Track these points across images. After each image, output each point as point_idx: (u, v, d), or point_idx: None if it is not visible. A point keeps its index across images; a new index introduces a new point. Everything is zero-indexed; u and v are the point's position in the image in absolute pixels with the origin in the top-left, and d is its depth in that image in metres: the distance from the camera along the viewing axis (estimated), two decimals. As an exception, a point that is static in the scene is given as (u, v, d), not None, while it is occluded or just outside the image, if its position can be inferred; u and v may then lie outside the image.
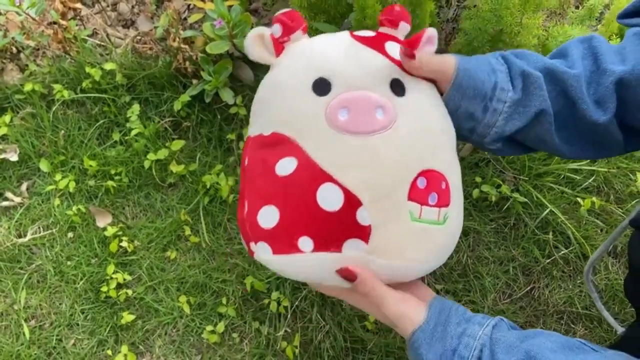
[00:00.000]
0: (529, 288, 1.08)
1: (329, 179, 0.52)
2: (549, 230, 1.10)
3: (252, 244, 0.57)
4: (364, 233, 0.53)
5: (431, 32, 0.59)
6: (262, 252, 0.55)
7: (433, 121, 0.57)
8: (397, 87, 0.56)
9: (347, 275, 0.54)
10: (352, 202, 0.52)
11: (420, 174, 0.54)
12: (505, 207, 1.11)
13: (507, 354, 0.51)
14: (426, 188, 0.55)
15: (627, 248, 0.74)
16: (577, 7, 1.28)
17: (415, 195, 0.54)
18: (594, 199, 1.09)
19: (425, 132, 0.56)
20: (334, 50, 0.57)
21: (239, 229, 0.67)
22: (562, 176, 1.13)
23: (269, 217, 0.54)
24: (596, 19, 1.12)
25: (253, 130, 0.59)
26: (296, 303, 1.06)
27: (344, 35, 0.59)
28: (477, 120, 0.61)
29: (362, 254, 0.54)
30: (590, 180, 1.12)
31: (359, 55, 0.56)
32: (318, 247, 0.53)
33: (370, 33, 0.59)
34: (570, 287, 1.07)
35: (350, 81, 0.54)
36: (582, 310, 1.05)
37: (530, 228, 1.10)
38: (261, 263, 0.57)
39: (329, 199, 0.52)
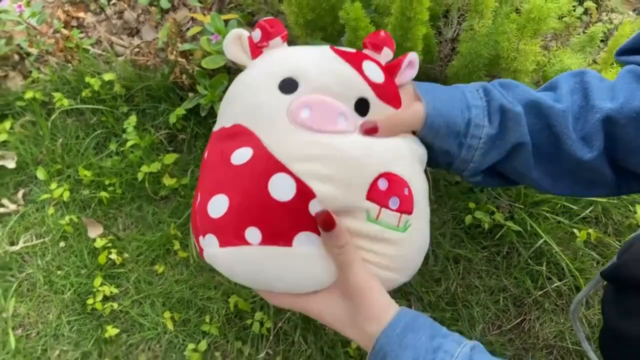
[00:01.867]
0: (519, 320, 1.05)
1: (282, 169, 0.51)
2: (543, 261, 1.07)
3: (201, 239, 0.55)
4: (315, 225, 0.52)
5: (412, 57, 0.60)
6: (210, 245, 0.54)
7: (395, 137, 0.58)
8: (362, 107, 0.56)
9: (326, 220, 0.51)
10: (304, 193, 0.51)
11: (381, 175, 0.54)
12: (499, 235, 1.08)
13: None
14: (387, 190, 0.54)
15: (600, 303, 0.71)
16: (585, 30, 1.24)
17: (375, 195, 0.53)
18: (590, 230, 1.06)
19: (387, 140, 0.56)
20: (309, 56, 0.57)
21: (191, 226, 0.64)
22: (559, 205, 1.10)
23: (218, 206, 0.52)
24: (598, 46, 1.08)
25: (217, 125, 0.59)
26: (279, 324, 1.05)
27: (324, 47, 0.59)
28: (453, 156, 0.60)
29: (315, 250, 0.53)
30: (588, 211, 1.09)
31: (332, 65, 0.56)
32: (266, 240, 0.51)
33: (351, 50, 0.59)
34: (562, 320, 1.04)
35: (318, 86, 0.54)
36: (572, 345, 1.02)
37: (523, 258, 1.07)
38: (210, 263, 0.55)
39: (280, 188, 0.51)
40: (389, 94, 0.58)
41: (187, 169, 1.22)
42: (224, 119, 0.58)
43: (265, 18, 0.59)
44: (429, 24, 1.02)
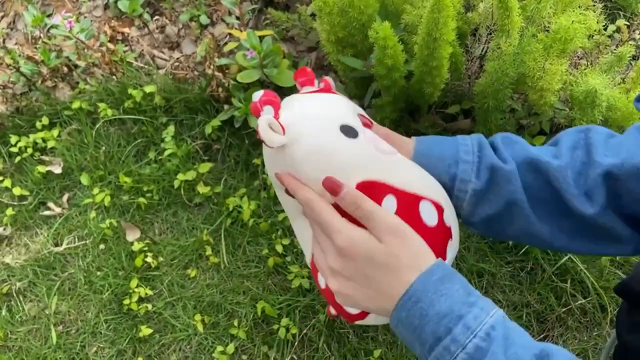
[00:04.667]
0: (542, 336, 1.05)
1: (421, 198, 0.56)
2: (568, 278, 1.07)
3: None
4: (450, 233, 0.57)
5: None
6: None
7: None
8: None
9: (330, 187, 0.52)
10: (439, 209, 0.56)
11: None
12: (523, 250, 1.09)
13: (522, 339, 0.47)
14: None
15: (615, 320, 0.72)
16: (615, 49, 1.24)
17: None
18: (616, 249, 1.05)
19: None
20: (323, 103, 0.60)
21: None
22: (586, 223, 1.10)
23: None
24: (630, 63, 1.08)
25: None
26: (305, 331, 1.08)
27: (305, 96, 0.60)
28: None
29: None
30: (614, 229, 1.09)
31: (340, 101, 0.61)
32: None
33: (314, 87, 0.64)
34: (586, 338, 1.04)
35: (357, 114, 0.60)
36: (596, 364, 1.02)
37: (547, 274, 1.08)
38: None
39: (429, 214, 0.55)
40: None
41: (221, 177, 1.28)
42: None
43: (258, 94, 0.57)
44: (458, 42, 1.04)
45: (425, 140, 0.62)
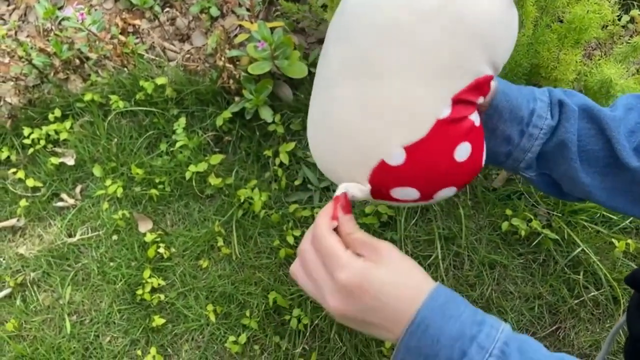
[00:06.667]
0: (554, 328, 1.05)
1: None
2: (580, 269, 1.07)
3: None
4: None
5: None
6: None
7: None
8: None
9: (345, 205, 0.53)
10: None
11: None
12: (536, 242, 1.09)
13: (537, 352, 0.46)
14: None
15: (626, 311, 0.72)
16: (630, 39, 1.23)
17: None
18: (629, 240, 1.05)
19: None
20: None
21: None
22: (598, 215, 1.09)
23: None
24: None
25: None
26: (316, 322, 1.09)
27: None
28: (513, 144, 0.62)
29: None
30: (628, 221, 1.08)
31: None
32: None
33: None
34: (598, 330, 1.04)
35: None
36: (607, 355, 1.01)
37: (560, 266, 1.08)
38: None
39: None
40: None
41: (232, 169, 1.28)
42: None
43: None
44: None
45: (502, 80, 0.62)
